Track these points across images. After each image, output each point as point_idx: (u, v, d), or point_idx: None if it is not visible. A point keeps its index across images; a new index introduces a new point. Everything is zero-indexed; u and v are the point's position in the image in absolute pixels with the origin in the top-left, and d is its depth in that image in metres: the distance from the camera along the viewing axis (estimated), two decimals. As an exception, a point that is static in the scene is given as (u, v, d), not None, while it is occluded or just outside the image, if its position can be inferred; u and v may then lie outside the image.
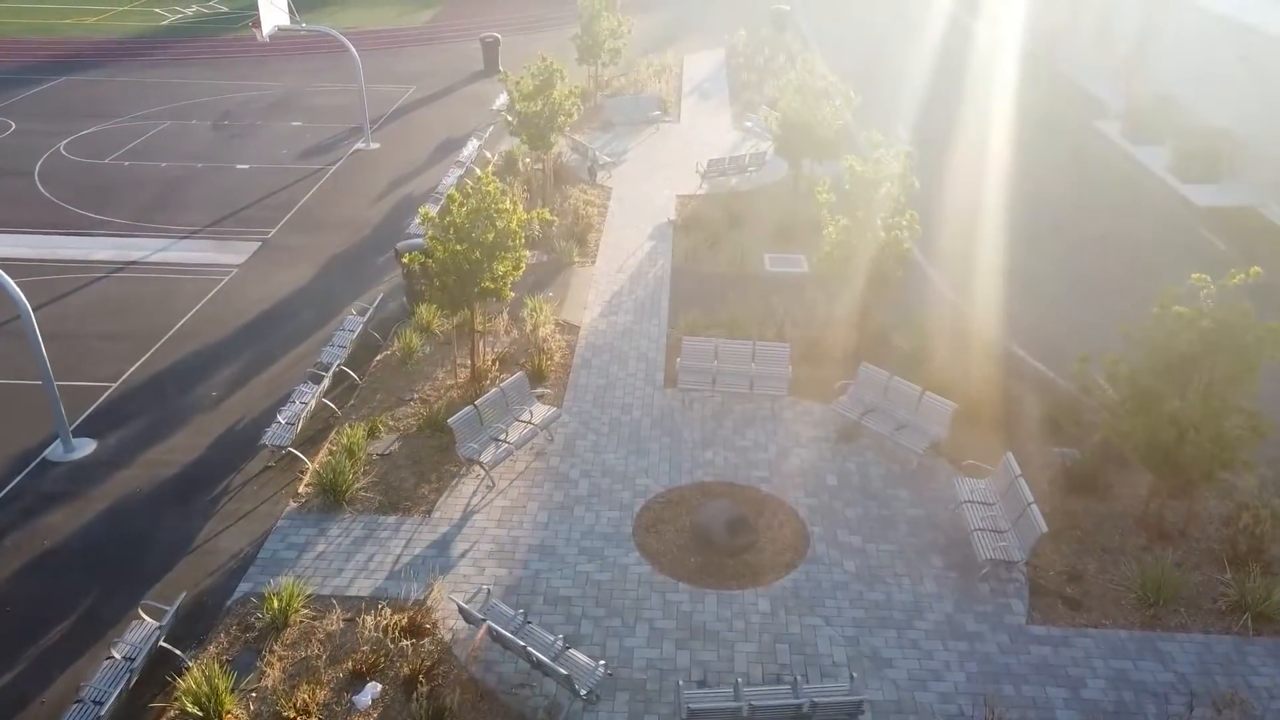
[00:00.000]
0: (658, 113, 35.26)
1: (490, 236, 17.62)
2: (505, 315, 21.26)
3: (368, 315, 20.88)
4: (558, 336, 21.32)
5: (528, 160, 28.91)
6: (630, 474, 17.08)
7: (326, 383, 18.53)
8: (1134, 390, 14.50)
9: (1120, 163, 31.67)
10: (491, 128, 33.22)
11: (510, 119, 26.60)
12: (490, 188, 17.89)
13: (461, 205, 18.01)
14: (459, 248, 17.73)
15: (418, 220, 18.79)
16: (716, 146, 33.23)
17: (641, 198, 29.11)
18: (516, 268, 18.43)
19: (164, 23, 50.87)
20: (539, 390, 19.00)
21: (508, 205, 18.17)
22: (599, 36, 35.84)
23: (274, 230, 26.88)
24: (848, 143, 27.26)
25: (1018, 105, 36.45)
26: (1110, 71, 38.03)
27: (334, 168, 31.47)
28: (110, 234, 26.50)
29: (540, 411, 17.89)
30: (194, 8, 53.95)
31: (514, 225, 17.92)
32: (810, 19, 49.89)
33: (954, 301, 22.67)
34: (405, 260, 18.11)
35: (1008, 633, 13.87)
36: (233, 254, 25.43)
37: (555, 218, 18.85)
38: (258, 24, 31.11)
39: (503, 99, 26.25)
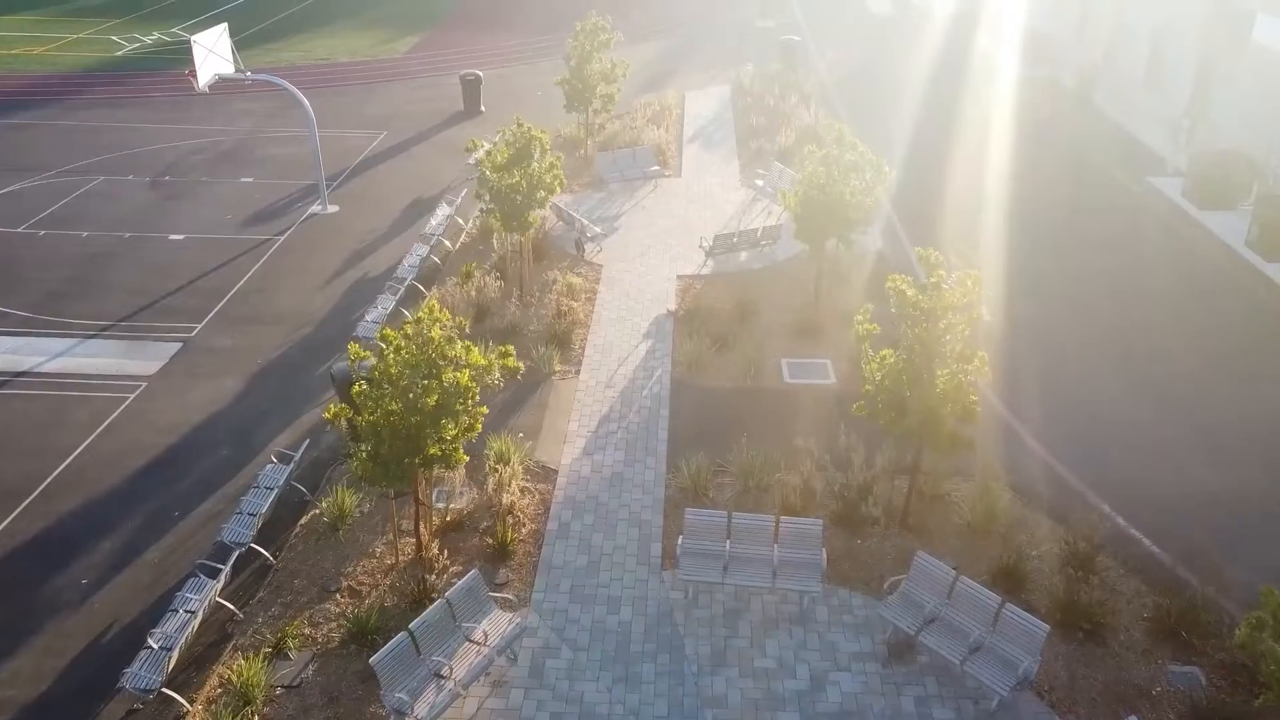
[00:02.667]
0: (656, 168, 31.06)
1: (433, 399, 13.38)
2: (461, 467, 17.02)
3: (293, 464, 16.65)
4: (530, 487, 17.11)
5: (503, 237, 24.71)
6: (616, 720, 12.86)
7: (224, 578, 14.30)
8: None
9: (1187, 233, 27.46)
10: (466, 189, 28.96)
11: (482, 195, 22.39)
12: (435, 331, 13.65)
13: (399, 351, 13.81)
14: (394, 408, 13.53)
15: (348, 359, 14.58)
16: (723, 210, 29.08)
17: (637, 279, 24.91)
18: (470, 429, 14.21)
19: (118, 53, 46.69)
20: (499, 586, 14.78)
21: (458, 350, 13.94)
22: (590, 81, 31.66)
23: (200, 326, 22.63)
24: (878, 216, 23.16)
25: (1059, 157, 32.33)
26: (1164, 118, 33.82)
27: (282, 238, 27.24)
28: (2, 331, 22.27)
29: (499, 624, 13.64)
30: (154, 35, 49.78)
31: (465, 380, 13.69)
32: (820, 49, 45.73)
33: (1030, 446, 18.38)
34: (328, 415, 13.99)
35: None
36: (145, 360, 21.18)
37: (521, 364, 14.58)
38: (193, 73, 26.92)
39: (484, 148, 22.07)
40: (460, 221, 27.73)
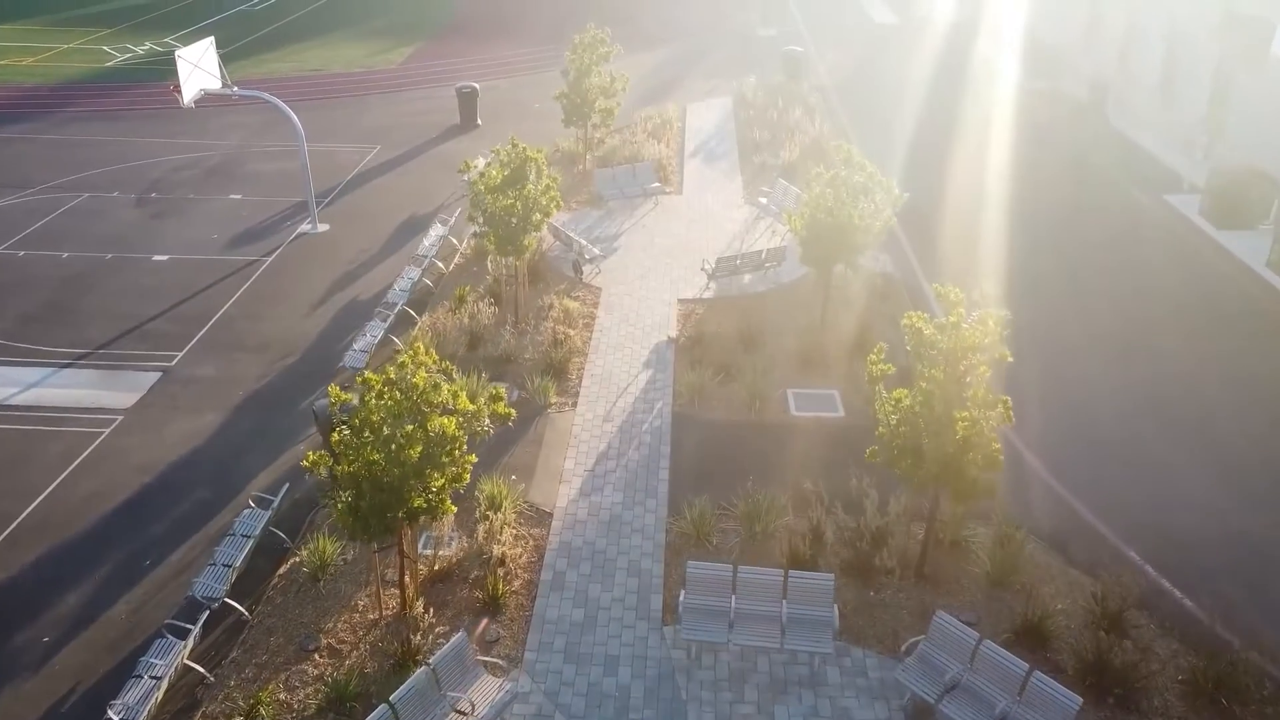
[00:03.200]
0: (656, 185, 30.14)
1: (416, 451, 12.45)
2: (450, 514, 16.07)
3: (271, 509, 15.72)
4: (523, 532, 16.17)
5: (497, 261, 23.77)
6: (614, 798, 11.91)
7: (193, 639, 13.36)
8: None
9: (1207, 255, 26.51)
10: (460, 207, 28.02)
11: (476, 218, 21.49)
12: (419, 377, 12.72)
13: (380, 397, 12.89)
14: (375, 458, 12.59)
15: (328, 399, 13.65)
16: (725, 229, 28.16)
17: (637, 303, 23.98)
18: (458, 479, 13.27)
19: (109, 64, 45.83)
20: (489, 645, 13.85)
21: (444, 396, 13.01)
22: (588, 95, 30.74)
23: (181, 353, 21.70)
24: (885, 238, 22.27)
25: (1072, 173, 31.42)
26: (1179, 133, 32.91)
27: (270, 259, 26.32)
28: (-25, 360, 21.39)
29: (487, 691, 12.69)
30: (146, 45, 48.91)
31: (452, 429, 12.75)
32: (825, 61, 44.85)
33: (1053, 486, 17.42)
34: (306, 463, 13.05)
35: None
36: (123, 391, 20.25)
37: (513, 410, 13.63)
38: (178, 88, 26.03)
39: (478, 167, 21.16)
40: (454, 242, 26.82)
